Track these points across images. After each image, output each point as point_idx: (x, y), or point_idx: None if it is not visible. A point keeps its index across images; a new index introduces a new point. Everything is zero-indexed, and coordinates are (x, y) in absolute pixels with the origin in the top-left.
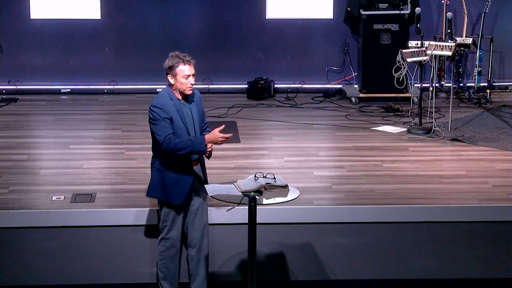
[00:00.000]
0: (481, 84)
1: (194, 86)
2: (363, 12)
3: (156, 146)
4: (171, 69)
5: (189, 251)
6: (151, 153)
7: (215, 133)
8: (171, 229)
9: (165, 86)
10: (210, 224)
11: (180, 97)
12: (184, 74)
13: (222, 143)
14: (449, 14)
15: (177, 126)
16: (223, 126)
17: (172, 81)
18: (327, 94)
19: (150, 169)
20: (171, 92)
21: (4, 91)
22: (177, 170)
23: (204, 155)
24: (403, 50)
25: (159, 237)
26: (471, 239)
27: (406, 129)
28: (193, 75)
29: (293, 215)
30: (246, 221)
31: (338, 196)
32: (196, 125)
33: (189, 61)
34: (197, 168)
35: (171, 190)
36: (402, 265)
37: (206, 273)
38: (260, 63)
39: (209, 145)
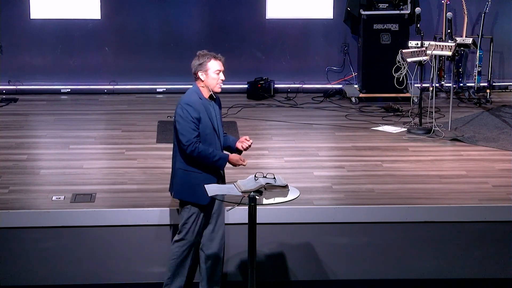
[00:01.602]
0: (481, 84)
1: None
2: (363, 12)
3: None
4: (201, 65)
5: (206, 252)
6: (151, 153)
7: (236, 156)
8: (190, 230)
9: (190, 86)
10: None
11: (207, 96)
12: (216, 69)
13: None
14: (449, 14)
15: (205, 125)
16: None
17: (203, 77)
18: (327, 94)
19: (171, 169)
20: (199, 91)
21: (4, 91)
22: (203, 169)
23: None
24: (403, 50)
25: (176, 238)
26: (471, 239)
27: (406, 129)
28: (223, 71)
29: (293, 215)
30: (246, 221)
31: (338, 196)
32: (219, 125)
33: (219, 57)
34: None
35: (198, 190)
36: (402, 265)
37: (221, 274)
38: (260, 63)
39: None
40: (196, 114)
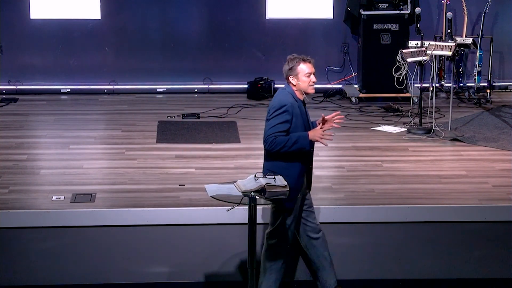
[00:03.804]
0: (481, 84)
1: (196, 87)
2: (363, 12)
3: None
4: (291, 70)
5: (311, 251)
6: (151, 153)
7: (316, 130)
8: (283, 234)
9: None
10: (210, 224)
11: (301, 98)
12: (306, 72)
13: (324, 139)
14: (449, 14)
15: (298, 126)
16: (337, 113)
17: (294, 81)
18: (327, 94)
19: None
20: (294, 93)
21: (4, 91)
22: (289, 173)
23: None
24: (403, 50)
25: (270, 241)
26: (471, 239)
27: (406, 129)
28: (314, 73)
29: None
30: (246, 221)
31: (338, 196)
32: (311, 125)
33: (308, 59)
34: (307, 166)
35: None
36: (402, 265)
37: (334, 271)
38: (260, 63)
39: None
40: (289, 116)
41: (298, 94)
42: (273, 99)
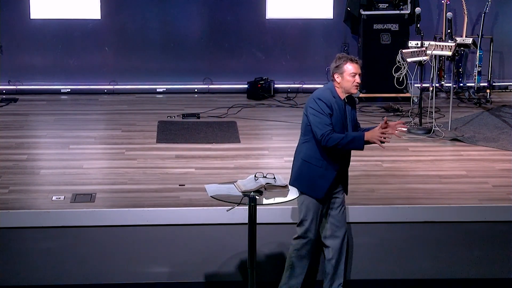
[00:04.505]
0: (481, 84)
1: (196, 87)
2: (363, 12)
3: (308, 137)
4: (338, 68)
5: (329, 248)
6: (151, 153)
7: (375, 131)
8: (310, 227)
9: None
10: (210, 224)
11: (342, 97)
12: (351, 72)
13: (383, 142)
14: (449, 14)
15: (335, 122)
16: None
17: (338, 79)
18: None
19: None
20: (334, 90)
21: (4, 91)
22: (324, 164)
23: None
24: (403, 50)
25: (298, 234)
26: (471, 239)
27: (406, 129)
28: (359, 74)
29: (293, 215)
30: (246, 221)
31: None
32: (350, 126)
33: (356, 60)
34: (343, 164)
35: (314, 183)
36: (402, 265)
37: (343, 272)
38: (260, 63)
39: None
40: (328, 109)
41: (339, 91)
42: (313, 94)
